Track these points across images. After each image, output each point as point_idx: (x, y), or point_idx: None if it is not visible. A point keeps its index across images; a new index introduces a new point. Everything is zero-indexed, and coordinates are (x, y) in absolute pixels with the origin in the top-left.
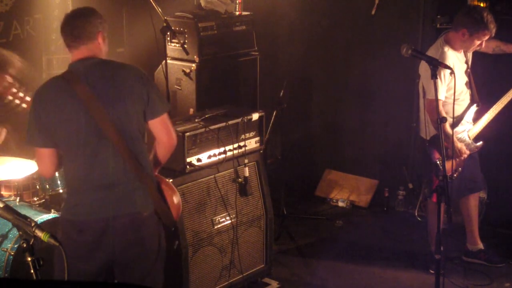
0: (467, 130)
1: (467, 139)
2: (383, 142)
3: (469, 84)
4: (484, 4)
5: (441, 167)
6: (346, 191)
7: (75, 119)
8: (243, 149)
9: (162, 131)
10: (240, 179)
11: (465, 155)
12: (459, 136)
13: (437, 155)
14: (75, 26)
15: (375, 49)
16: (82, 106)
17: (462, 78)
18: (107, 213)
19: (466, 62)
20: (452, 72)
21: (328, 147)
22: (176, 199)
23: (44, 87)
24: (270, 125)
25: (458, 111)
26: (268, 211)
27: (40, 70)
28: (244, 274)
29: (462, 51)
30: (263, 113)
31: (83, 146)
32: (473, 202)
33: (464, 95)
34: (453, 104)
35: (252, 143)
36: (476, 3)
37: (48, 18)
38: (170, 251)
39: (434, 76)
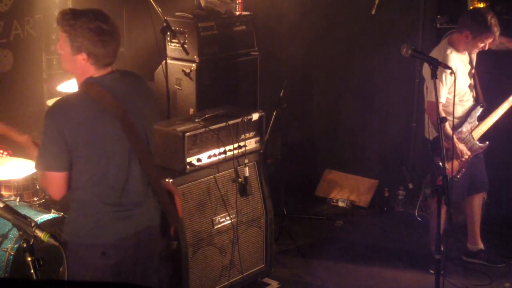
0: (471, 131)
1: (471, 139)
2: (383, 142)
3: (473, 86)
4: (484, 4)
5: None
6: (346, 191)
7: (106, 133)
8: (243, 149)
9: None
10: (240, 179)
11: (466, 156)
12: (463, 136)
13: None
14: (112, 40)
15: (375, 49)
16: (113, 120)
17: (465, 80)
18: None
19: (470, 63)
20: (452, 72)
21: (328, 147)
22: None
23: (66, 104)
24: (270, 125)
25: (462, 112)
26: (268, 211)
27: (40, 70)
28: (244, 274)
29: (466, 52)
30: (263, 113)
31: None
32: (477, 202)
33: (468, 96)
34: (453, 105)
35: (252, 143)
36: (476, 3)
37: (48, 18)
38: (170, 251)
39: (434, 76)
